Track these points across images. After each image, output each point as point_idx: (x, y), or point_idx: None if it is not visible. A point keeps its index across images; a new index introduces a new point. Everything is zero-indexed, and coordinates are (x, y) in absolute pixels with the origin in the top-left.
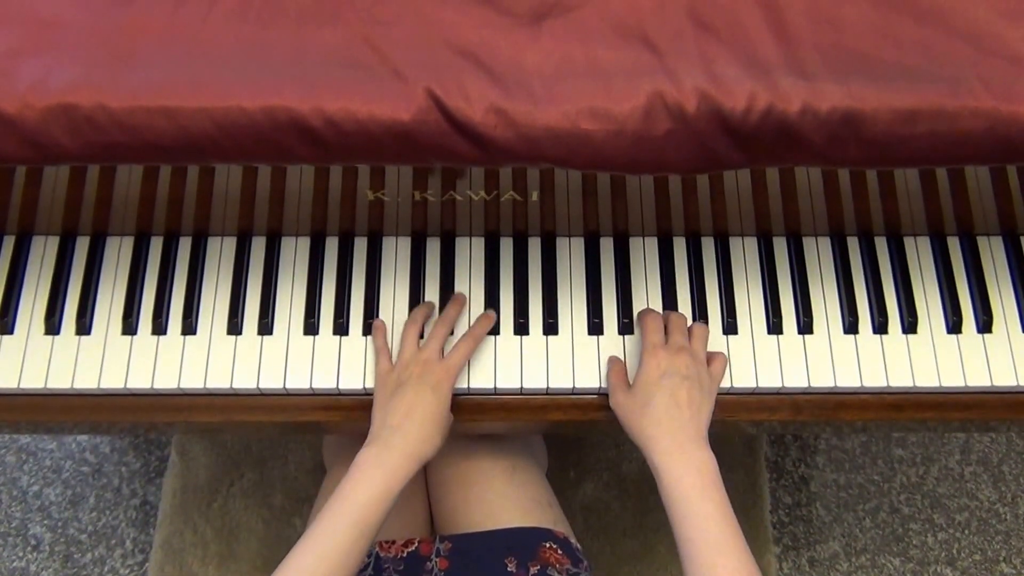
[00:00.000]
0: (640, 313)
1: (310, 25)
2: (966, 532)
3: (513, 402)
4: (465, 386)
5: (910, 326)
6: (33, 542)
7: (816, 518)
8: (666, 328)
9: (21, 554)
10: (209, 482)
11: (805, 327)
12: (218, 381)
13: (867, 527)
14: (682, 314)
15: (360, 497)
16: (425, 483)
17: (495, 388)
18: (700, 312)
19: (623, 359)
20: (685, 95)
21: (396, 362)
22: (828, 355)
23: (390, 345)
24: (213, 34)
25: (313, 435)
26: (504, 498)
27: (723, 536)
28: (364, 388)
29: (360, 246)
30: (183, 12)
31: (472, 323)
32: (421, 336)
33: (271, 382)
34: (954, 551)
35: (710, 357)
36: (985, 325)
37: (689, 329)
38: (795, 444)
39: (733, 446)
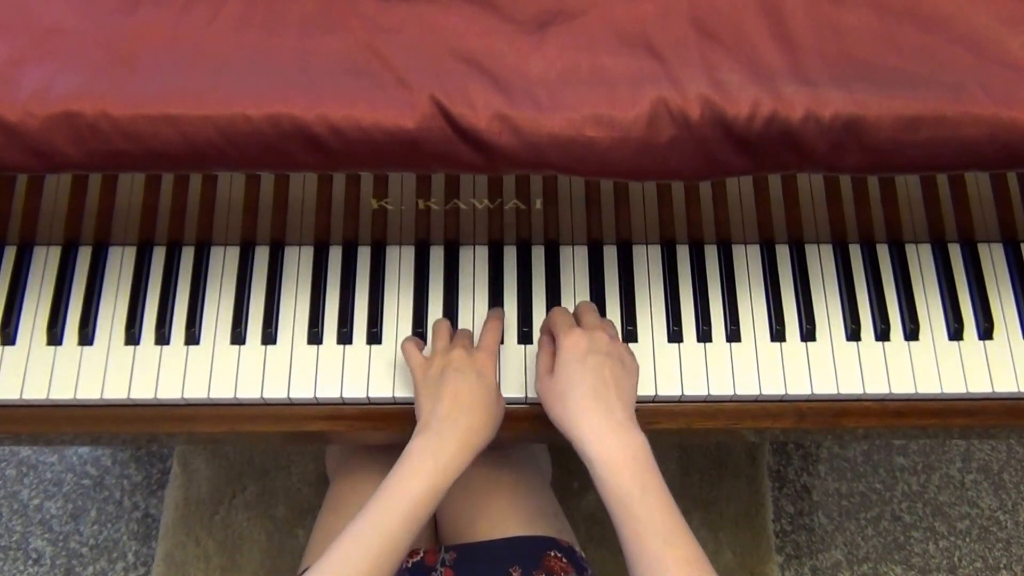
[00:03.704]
0: (549, 314)
1: (314, 33)
2: (967, 540)
3: (518, 412)
4: None
5: (912, 333)
6: (34, 556)
7: (818, 527)
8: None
9: (22, 568)
10: (211, 494)
11: (808, 334)
12: (222, 391)
13: (869, 535)
14: (592, 303)
15: (411, 489)
16: None
17: None
18: (704, 319)
19: None
20: (689, 102)
21: (432, 353)
22: (831, 362)
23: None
24: (217, 42)
25: (317, 445)
26: (508, 507)
27: (668, 526)
28: (367, 398)
29: (364, 255)
30: (186, 20)
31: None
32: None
33: (275, 392)
34: (955, 559)
35: None
36: (986, 332)
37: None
38: (797, 453)
39: (735, 455)
